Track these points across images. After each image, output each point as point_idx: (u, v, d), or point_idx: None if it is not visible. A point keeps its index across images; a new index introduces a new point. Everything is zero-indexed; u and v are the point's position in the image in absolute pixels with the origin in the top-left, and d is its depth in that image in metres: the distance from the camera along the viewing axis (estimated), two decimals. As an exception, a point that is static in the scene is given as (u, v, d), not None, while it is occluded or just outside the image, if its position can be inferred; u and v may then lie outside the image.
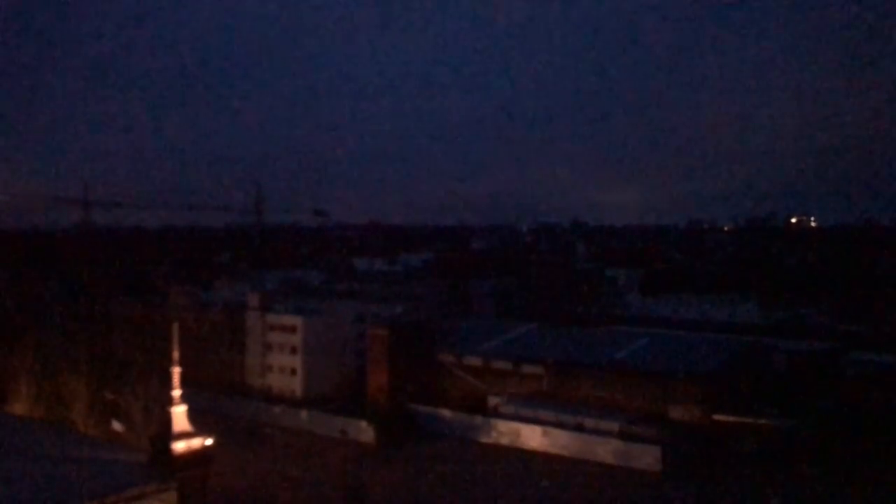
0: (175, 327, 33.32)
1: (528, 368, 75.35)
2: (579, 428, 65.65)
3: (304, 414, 75.65)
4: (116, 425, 56.77)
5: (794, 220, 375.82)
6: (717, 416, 64.13)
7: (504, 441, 67.91)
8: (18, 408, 56.17)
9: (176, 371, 32.27)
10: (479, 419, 70.73)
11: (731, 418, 63.74)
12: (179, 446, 30.59)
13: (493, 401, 74.07)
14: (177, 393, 31.92)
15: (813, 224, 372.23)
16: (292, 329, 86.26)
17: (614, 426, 64.38)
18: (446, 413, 72.59)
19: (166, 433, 31.11)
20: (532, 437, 66.54)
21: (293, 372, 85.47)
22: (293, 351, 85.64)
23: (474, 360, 78.85)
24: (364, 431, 70.06)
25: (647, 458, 60.05)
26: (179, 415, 31.67)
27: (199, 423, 33.22)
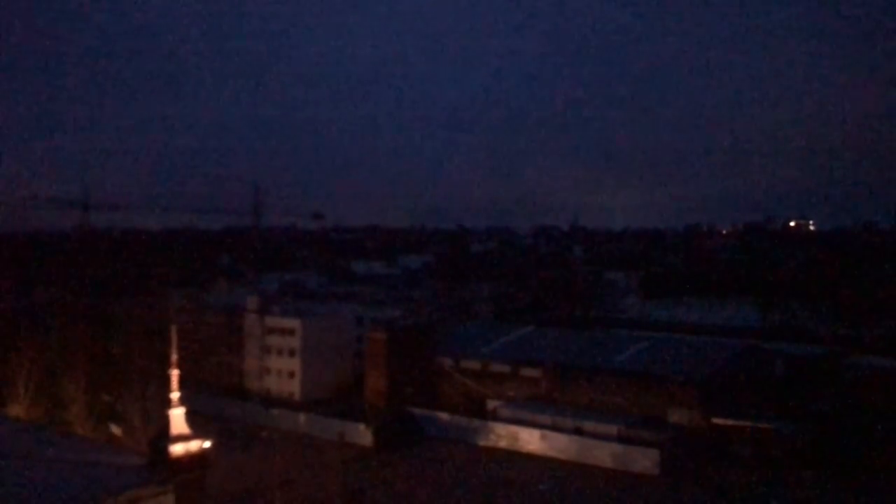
0: (174, 330, 33.26)
1: (526, 372, 75.36)
2: (578, 431, 65.59)
3: (302, 417, 75.52)
4: (114, 428, 56.74)
5: (792, 224, 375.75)
6: (716, 420, 64.12)
7: (502, 444, 67.81)
8: (16, 410, 56.13)
9: (174, 374, 32.21)
10: (477, 422, 70.63)
11: (730, 422, 63.72)
12: (177, 449, 30.51)
13: (491, 404, 74.01)
14: (175, 395, 31.87)
15: (812, 227, 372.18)
16: (291, 332, 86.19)
17: (613, 430, 64.31)
18: (444, 416, 72.50)
19: (164, 436, 31.05)
20: (530, 440, 66.47)
21: (291, 375, 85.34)
22: (292, 354, 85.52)
23: (473, 364, 78.83)
24: (362, 435, 69.92)
25: (645, 461, 59.97)
26: (177, 417, 31.60)
27: (197, 425, 33.17)
